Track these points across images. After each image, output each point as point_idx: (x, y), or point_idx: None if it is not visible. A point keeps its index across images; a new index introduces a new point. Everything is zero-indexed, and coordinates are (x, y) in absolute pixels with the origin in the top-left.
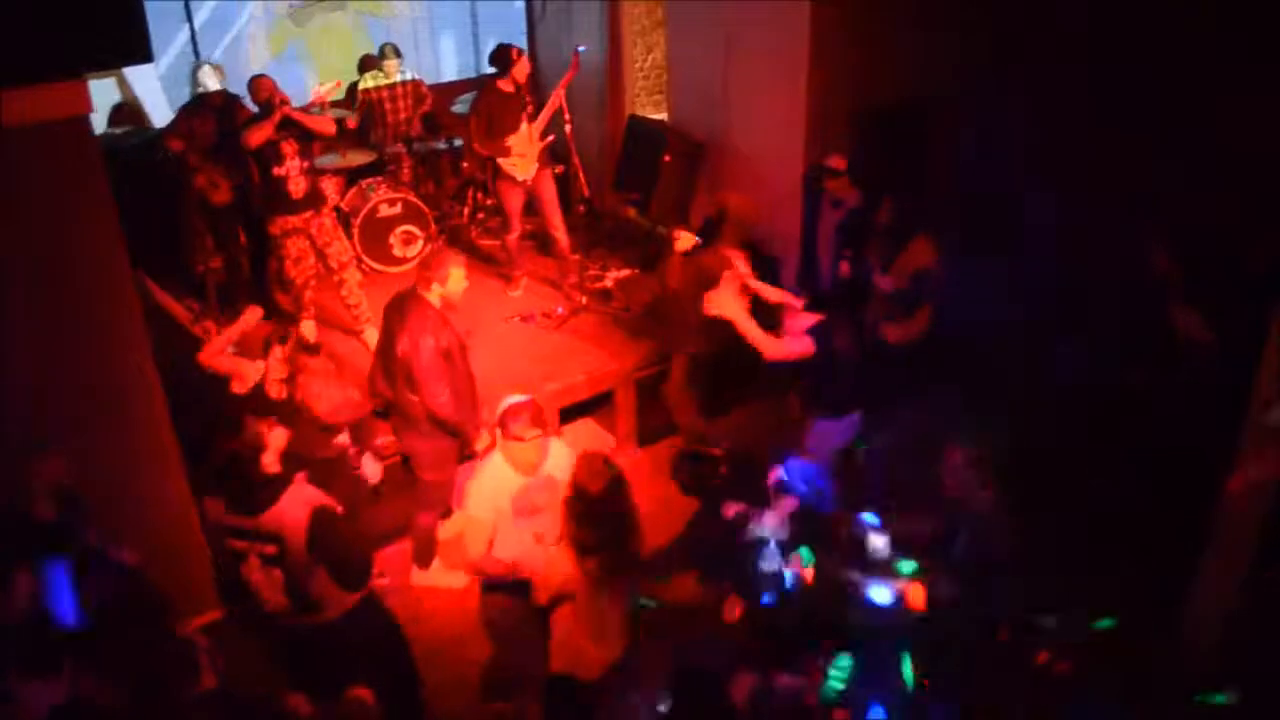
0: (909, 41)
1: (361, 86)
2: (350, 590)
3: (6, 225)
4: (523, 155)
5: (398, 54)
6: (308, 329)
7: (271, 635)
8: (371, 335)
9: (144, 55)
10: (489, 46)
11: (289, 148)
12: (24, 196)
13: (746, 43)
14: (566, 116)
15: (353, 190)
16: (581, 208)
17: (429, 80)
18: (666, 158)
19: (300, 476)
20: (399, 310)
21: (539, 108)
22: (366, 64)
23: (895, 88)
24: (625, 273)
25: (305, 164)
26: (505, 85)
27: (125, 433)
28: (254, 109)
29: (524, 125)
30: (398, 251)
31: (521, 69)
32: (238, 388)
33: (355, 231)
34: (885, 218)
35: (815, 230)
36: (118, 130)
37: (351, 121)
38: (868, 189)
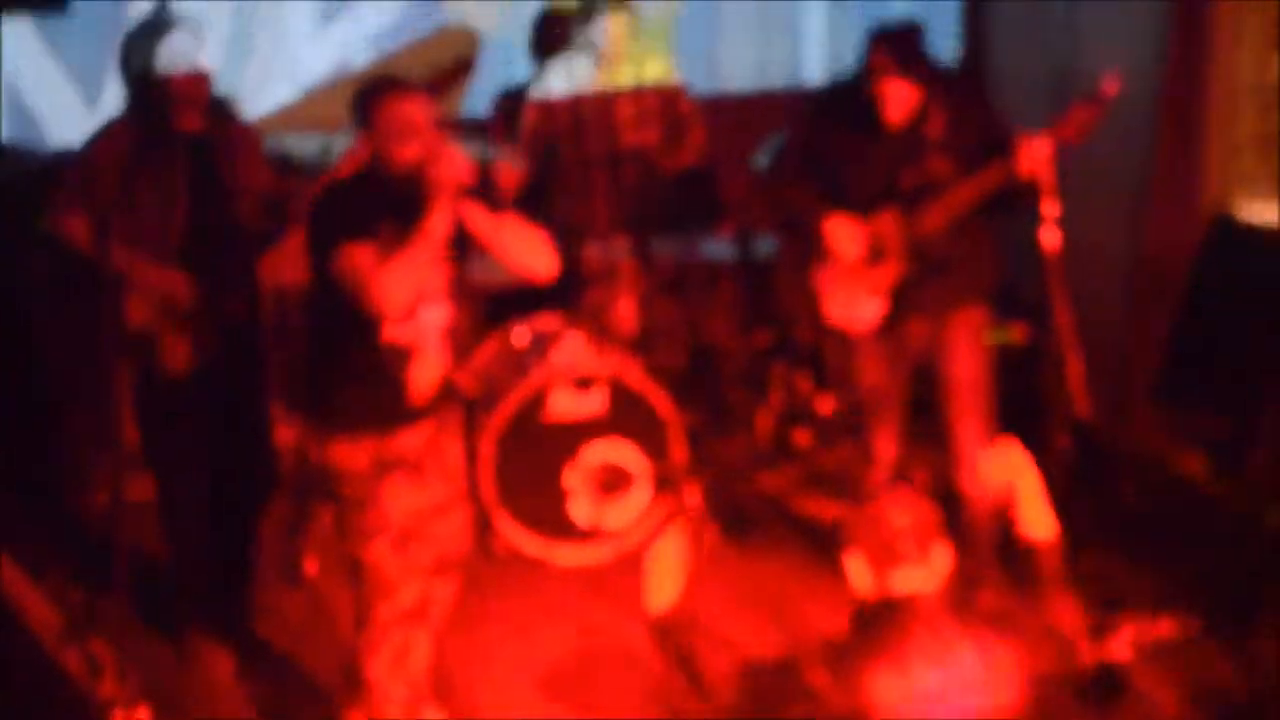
0: None
1: (532, 95)
2: None
3: None
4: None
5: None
6: None
7: None
8: None
9: None
10: (853, 31)
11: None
12: None
13: None
14: (1044, 212)
15: (490, 342)
16: (1064, 438)
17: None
18: None
19: None
20: None
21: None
22: (549, 34)
23: None
24: (1167, 629)
25: (452, 315)
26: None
27: None
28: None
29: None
30: (580, 510)
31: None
32: None
33: (485, 445)
34: None
35: None
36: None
37: (511, 173)
38: None
